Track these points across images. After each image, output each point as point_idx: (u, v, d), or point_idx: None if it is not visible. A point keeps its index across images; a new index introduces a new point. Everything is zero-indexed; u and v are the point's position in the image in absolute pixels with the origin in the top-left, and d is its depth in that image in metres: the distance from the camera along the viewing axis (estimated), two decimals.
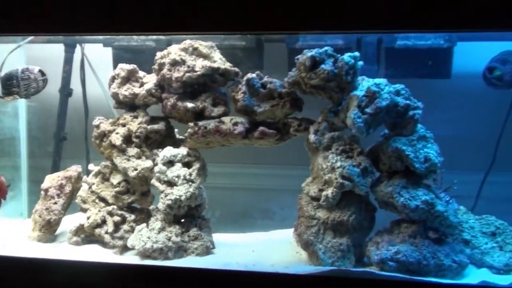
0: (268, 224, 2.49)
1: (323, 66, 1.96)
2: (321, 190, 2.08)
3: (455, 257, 1.97)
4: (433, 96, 2.49)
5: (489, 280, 1.94)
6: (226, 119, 2.12)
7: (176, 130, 2.35)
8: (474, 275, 2.00)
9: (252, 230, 2.55)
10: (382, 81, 2.02)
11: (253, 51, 2.42)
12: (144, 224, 2.23)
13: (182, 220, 2.25)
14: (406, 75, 2.38)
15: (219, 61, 2.14)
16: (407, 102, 1.97)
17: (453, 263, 1.96)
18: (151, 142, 2.25)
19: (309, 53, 1.96)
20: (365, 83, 2.04)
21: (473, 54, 2.36)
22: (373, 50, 2.28)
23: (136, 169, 2.20)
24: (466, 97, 2.39)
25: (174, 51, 2.14)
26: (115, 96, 2.20)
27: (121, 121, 2.24)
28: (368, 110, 1.95)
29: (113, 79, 2.26)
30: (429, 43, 2.18)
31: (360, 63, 2.01)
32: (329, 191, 2.04)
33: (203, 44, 2.15)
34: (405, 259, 1.93)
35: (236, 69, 2.14)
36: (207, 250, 2.20)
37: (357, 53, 1.99)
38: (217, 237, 2.36)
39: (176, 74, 2.09)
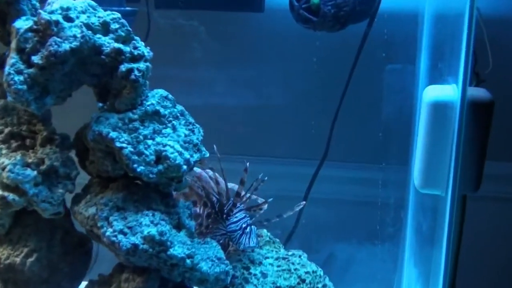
0: None
1: None
2: None
3: None
4: (239, 39, 1.60)
5: None
6: None
7: None
8: None
9: None
10: (78, 4, 1.06)
11: None
12: None
13: None
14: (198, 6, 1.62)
15: None
16: (118, 46, 1.05)
17: None
18: None
19: None
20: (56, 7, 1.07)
21: None
22: None
23: None
24: (289, 42, 1.46)
25: None
26: None
27: None
28: (35, 58, 0.99)
29: None
30: None
31: None
32: None
33: None
34: None
35: None
36: None
37: None
38: None
39: None
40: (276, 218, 1.43)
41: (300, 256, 1.41)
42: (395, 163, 1.57)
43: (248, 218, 1.39)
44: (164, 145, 1.18)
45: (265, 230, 1.51)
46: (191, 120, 1.27)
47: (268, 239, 1.49)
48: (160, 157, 1.18)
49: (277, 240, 1.51)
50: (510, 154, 1.67)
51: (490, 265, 1.75)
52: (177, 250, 1.17)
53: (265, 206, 1.45)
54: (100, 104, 1.26)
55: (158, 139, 1.18)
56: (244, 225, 1.37)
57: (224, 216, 1.40)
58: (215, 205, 1.40)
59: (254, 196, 1.46)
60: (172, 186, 1.23)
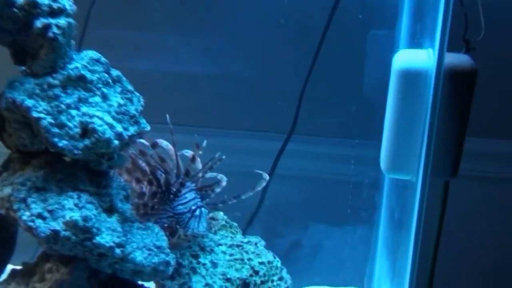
0: None
1: None
2: None
3: None
4: None
5: None
6: None
7: None
8: None
9: None
10: None
11: None
12: None
13: None
14: None
15: None
16: None
17: None
18: None
19: None
20: None
21: None
22: None
23: None
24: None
25: None
26: None
27: None
28: None
29: None
30: None
31: None
32: None
33: None
34: None
35: None
36: None
37: None
38: None
39: None
40: (233, 200, 1.28)
41: (256, 244, 1.27)
42: (370, 139, 1.40)
43: (199, 200, 1.25)
44: (91, 116, 1.03)
45: (221, 213, 1.37)
46: (130, 87, 1.12)
47: (224, 223, 1.35)
48: (86, 130, 1.02)
49: (235, 224, 1.37)
50: (493, 129, 1.51)
51: (470, 250, 1.61)
52: (105, 238, 1.03)
53: (222, 185, 1.30)
54: (23, 68, 1.09)
55: (84, 109, 1.03)
56: (193, 207, 1.23)
57: (172, 196, 1.25)
58: (161, 183, 1.25)
59: (213, 173, 1.31)
60: (104, 164, 1.07)
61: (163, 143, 1.29)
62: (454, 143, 0.92)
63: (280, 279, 1.21)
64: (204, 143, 1.24)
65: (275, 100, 1.49)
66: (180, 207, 1.25)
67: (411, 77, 0.90)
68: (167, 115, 1.21)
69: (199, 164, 1.31)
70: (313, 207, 1.53)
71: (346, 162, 1.46)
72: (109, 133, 1.03)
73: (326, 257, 1.45)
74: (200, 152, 1.26)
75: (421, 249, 1.02)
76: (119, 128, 1.04)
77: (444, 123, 0.88)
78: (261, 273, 1.19)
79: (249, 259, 1.22)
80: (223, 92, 1.51)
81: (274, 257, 1.24)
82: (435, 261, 1.19)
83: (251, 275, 1.19)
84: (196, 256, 1.24)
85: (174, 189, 1.26)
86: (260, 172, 1.28)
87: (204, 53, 1.50)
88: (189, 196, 1.26)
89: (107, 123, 1.03)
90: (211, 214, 1.37)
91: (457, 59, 0.88)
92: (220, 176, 1.31)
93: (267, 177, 1.28)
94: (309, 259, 1.44)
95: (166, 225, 1.25)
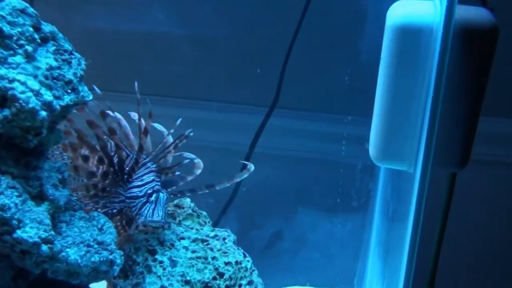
0: None
1: None
2: None
3: None
4: None
5: None
6: None
7: None
8: None
9: None
10: None
11: None
12: None
13: None
14: None
15: None
16: None
17: None
18: None
19: None
20: None
21: None
22: None
23: None
24: None
25: None
26: None
27: None
28: None
29: None
30: None
31: None
32: None
33: None
34: None
35: None
36: None
37: None
38: None
39: None
40: (204, 190, 1.12)
41: (224, 239, 1.10)
42: (366, 115, 1.24)
43: (158, 183, 1.08)
44: (11, 80, 0.86)
45: (188, 199, 1.22)
46: (67, 47, 0.97)
47: (190, 211, 1.21)
48: (5, 98, 0.86)
49: (204, 213, 1.22)
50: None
51: (479, 248, 1.45)
52: (28, 232, 0.88)
53: (196, 173, 1.14)
54: None
55: (1, 71, 0.86)
56: (149, 191, 1.08)
57: (126, 177, 1.09)
58: (114, 162, 1.08)
59: (191, 155, 1.16)
60: (32, 141, 0.89)
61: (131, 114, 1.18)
62: (464, 125, 0.72)
63: (250, 283, 1.04)
64: (179, 121, 1.11)
65: (255, 68, 1.33)
66: (134, 190, 1.10)
67: (410, 36, 0.70)
68: (136, 83, 1.06)
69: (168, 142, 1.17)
70: (298, 194, 1.39)
71: (337, 142, 1.31)
72: (34, 102, 0.86)
73: (311, 253, 1.31)
74: (172, 131, 1.13)
75: (420, 248, 0.86)
76: (47, 96, 0.88)
77: (453, 97, 0.69)
78: (226, 276, 1.02)
79: (213, 258, 1.05)
80: (196, 58, 1.36)
81: (245, 256, 1.08)
82: (437, 262, 1.02)
83: (214, 278, 1.03)
84: (153, 252, 1.09)
85: (127, 169, 1.10)
86: (245, 162, 1.13)
87: (176, 13, 1.34)
88: (146, 178, 1.11)
89: (32, 90, 0.86)
90: (176, 201, 1.21)
91: (473, 13, 0.69)
92: (197, 161, 1.15)
93: (252, 168, 1.13)
94: (291, 255, 1.30)
95: (115, 210, 1.09)
